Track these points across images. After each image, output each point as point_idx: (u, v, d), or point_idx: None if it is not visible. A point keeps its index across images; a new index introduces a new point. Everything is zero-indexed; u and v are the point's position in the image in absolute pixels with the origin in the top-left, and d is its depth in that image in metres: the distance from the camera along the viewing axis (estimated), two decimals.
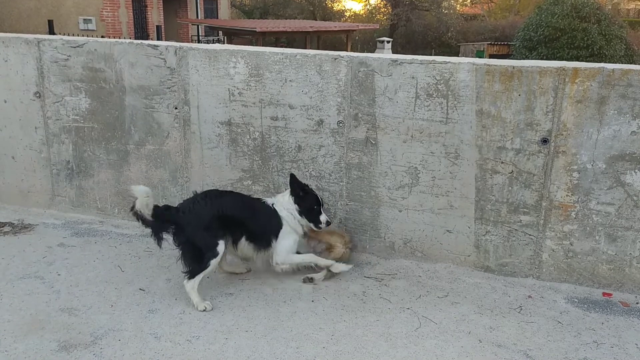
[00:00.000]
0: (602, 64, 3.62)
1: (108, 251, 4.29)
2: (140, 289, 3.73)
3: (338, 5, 45.31)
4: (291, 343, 3.20)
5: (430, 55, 3.62)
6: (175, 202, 4.65)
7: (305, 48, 23.32)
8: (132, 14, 24.14)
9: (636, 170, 3.63)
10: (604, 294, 3.84)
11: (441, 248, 4.18)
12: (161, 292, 3.71)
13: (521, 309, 3.64)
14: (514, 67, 3.72)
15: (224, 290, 3.77)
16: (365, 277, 4.03)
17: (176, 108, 4.48)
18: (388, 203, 4.21)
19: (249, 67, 4.22)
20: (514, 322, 3.47)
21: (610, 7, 32.42)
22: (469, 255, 4.13)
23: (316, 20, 37.21)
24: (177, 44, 4.41)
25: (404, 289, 3.85)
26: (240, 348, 3.14)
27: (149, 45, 4.43)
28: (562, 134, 3.71)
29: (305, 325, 3.38)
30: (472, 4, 45.98)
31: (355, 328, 3.37)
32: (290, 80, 4.17)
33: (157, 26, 25.32)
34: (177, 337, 3.21)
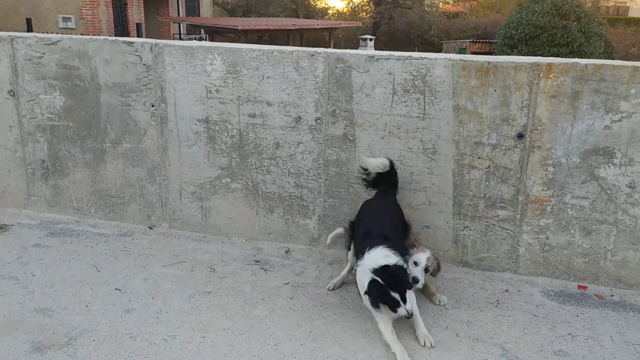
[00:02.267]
0: (575, 60, 3.65)
1: (84, 251, 4.24)
2: (116, 289, 3.69)
3: (321, 3, 45.31)
4: (269, 340, 3.19)
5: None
6: (153, 200, 4.63)
7: (287, 46, 23.22)
8: (112, 11, 23.90)
9: (609, 165, 3.67)
10: (579, 287, 3.88)
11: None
12: (138, 291, 3.67)
13: (498, 303, 3.66)
14: (489, 63, 3.74)
15: (201, 288, 3.74)
16: None
17: (153, 105, 4.44)
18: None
19: (226, 63, 4.19)
20: (491, 316, 3.50)
21: (589, 5, 32.77)
22: (447, 251, 4.15)
23: (299, 18, 37.17)
24: (153, 41, 4.36)
25: None
26: (217, 346, 3.12)
27: (124, 42, 4.38)
28: (537, 129, 3.74)
29: (284, 323, 3.37)
30: (455, 2, 46.27)
31: (334, 324, 3.37)
32: (267, 77, 4.15)
33: (138, 24, 25.10)
34: (153, 337, 3.18)
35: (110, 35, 21.87)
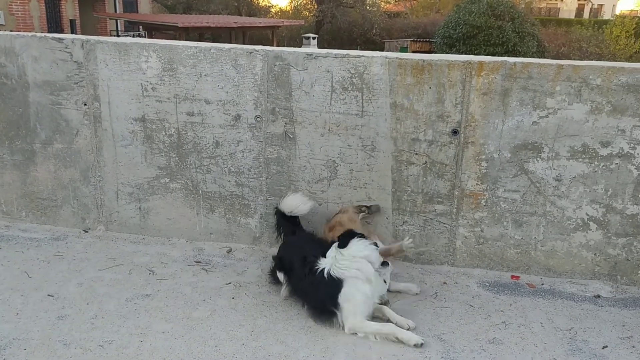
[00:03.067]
0: (504, 58, 3.80)
1: (14, 257, 4.05)
2: (48, 295, 3.55)
3: (263, 1, 45.04)
4: (210, 342, 3.15)
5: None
6: (88, 203, 4.48)
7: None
8: (44, 7, 22.93)
9: (538, 159, 3.84)
10: (512, 277, 4.04)
11: None
12: (72, 297, 3.54)
13: (436, 295, 3.76)
14: (424, 61, 3.83)
15: (140, 291, 3.65)
16: None
17: (85, 104, 4.28)
18: (308, 197, 4.22)
19: (162, 61, 4.10)
20: (429, 308, 3.59)
21: (523, 6, 34.14)
22: None
23: (241, 16, 36.82)
24: (85, 37, 4.21)
25: None
26: (156, 350, 3.05)
27: (53, 38, 4.21)
28: (471, 125, 3.87)
29: (225, 323, 3.33)
30: (396, 1, 47.11)
31: (276, 322, 3.37)
32: (205, 75, 4.09)
33: (72, 20, 24.21)
34: (88, 343, 3.07)
35: (43, 32, 20.96)
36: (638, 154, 3.73)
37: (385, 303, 3.48)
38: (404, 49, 30.52)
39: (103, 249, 4.23)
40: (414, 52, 29.27)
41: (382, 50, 31.13)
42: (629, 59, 27.84)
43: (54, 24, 23.63)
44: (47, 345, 3.04)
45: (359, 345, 3.15)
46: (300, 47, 23.34)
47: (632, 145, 3.73)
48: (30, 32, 18.92)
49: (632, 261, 3.93)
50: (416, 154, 4.00)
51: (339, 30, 36.95)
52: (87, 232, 4.52)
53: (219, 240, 4.43)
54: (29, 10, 22.06)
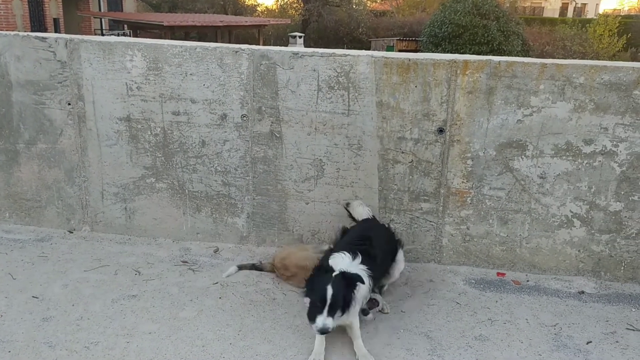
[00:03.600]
0: (489, 57, 3.82)
1: None
2: (33, 297, 3.51)
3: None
4: (197, 342, 3.14)
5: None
6: (72, 203, 4.44)
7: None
8: (27, 6, 22.64)
9: (522, 157, 3.88)
10: (498, 274, 4.08)
11: None
12: (57, 298, 3.51)
13: (423, 293, 3.78)
14: (409, 60, 3.85)
15: (126, 292, 3.63)
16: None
17: (69, 104, 4.24)
18: (295, 196, 4.22)
19: (147, 60, 4.07)
20: (416, 306, 3.61)
21: (507, 5, 34.40)
22: None
23: (227, 14, 36.67)
24: (68, 36, 4.17)
25: None
26: (143, 351, 3.03)
27: (36, 37, 4.16)
28: (456, 124, 3.89)
29: (212, 323, 3.32)
30: (382, 0, 47.20)
31: (264, 322, 3.36)
32: (191, 74, 4.07)
33: (55, 19, 23.93)
34: (73, 345, 3.05)
35: (26, 32, 20.72)
36: (620, 151, 3.78)
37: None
38: (390, 48, 30.60)
39: (88, 250, 4.20)
40: (400, 51, 29.36)
41: (368, 49, 31.19)
42: (612, 57, 28.20)
43: (37, 23, 23.35)
44: (32, 347, 3.01)
45: (347, 344, 3.16)
46: (286, 46, 23.33)
47: (614, 142, 3.77)
48: (13, 31, 18.65)
49: (615, 257, 3.98)
50: (402, 152, 4.01)
51: (326, 29, 36.94)
52: (72, 232, 4.48)
53: (206, 240, 4.41)
54: (11, 9, 21.78)
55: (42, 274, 3.80)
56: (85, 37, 4.17)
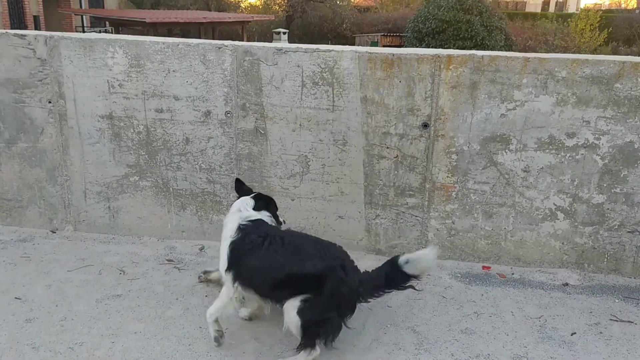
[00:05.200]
0: (472, 51, 3.84)
1: None
2: (16, 298, 3.46)
3: None
4: (183, 340, 3.11)
5: None
6: (55, 203, 4.38)
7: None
8: (6, 3, 22.28)
9: (506, 151, 3.90)
10: (483, 267, 4.10)
11: (334, 234, 4.25)
12: (40, 299, 3.46)
13: (410, 288, 3.78)
14: (393, 55, 3.84)
15: (110, 292, 3.59)
16: None
17: (50, 102, 4.18)
18: (280, 192, 4.21)
19: (129, 57, 4.03)
20: (403, 301, 3.61)
21: (490, 0, 34.59)
22: (361, 240, 4.24)
23: (210, 11, 36.41)
24: (47, 33, 4.10)
25: None
26: (128, 350, 3.00)
27: (15, 34, 4.09)
28: (441, 118, 3.90)
29: (199, 322, 3.30)
30: None
31: (250, 320, 3.35)
32: (173, 71, 4.03)
33: (36, 17, 23.60)
34: (57, 346, 3.01)
35: (4, 29, 20.39)
36: (602, 144, 3.82)
37: None
38: (374, 44, 30.65)
39: (72, 250, 4.15)
40: (384, 46, 29.40)
41: (352, 44, 31.17)
42: (594, 51, 28.50)
43: (17, 20, 23.01)
44: (15, 349, 2.97)
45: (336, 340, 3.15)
46: (270, 42, 23.26)
47: (596, 135, 3.81)
48: None
49: (598, 249, 4.03)
50: (387, 147, 4.02)
51: (310, 25, 36.88)
52: (54, 232, 4.42)
53: (191, 238, 4.38)
54: None
55: (24, 275, 3.75)
56: (66, 34, 4.11)
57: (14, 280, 3.68)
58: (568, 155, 3.86)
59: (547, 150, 3.87)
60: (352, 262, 3.09)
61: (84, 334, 3.13)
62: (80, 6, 28.77)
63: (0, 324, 3.19)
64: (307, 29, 36.93)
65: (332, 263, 2.93)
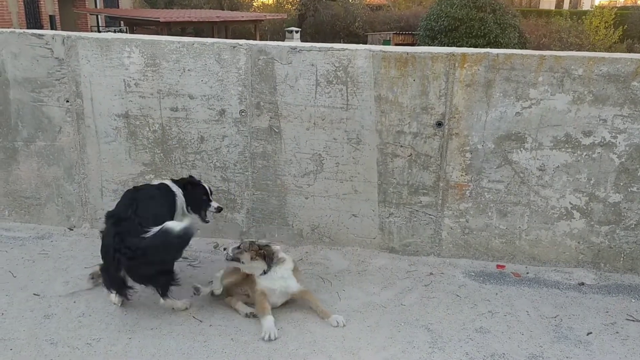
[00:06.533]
0: (487, 50, 3.82)
1: None
2: (34, 294, 3.51)
3: None
4: (198, 337, 3.14)
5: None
6: (72, 200, 4.43)
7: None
8: (22, 3, 22.53)
9: (521, 149, 3.88)
10: (497, 266, 4.09)
11: (348, 232, 4.26)
12: (58, 295, 3.51)
13: (424, 286, 3.79)
14: (407, 53, 3.84)
15: None
16: None
17: (67, 101, 4.23)
18: (294, 191, 4.23)
19: (145, 56, 4.06)
20: (417, 299, 3.62)
21: None
22: (374, 238, 4.25)
23: (223, 10, 36.53)
24: (65, 33, 4.15)
25: (312, 275, 3.89)
26: (145, 347, 3.04)
27: (33, 34, 4.14)
28: (455, 117, 3.89)
29: (215, 319, 3.33)
30: None
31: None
32: (188, 70, 4.06)
33: (51, 16, 23.82)
34: (75, 342, 3.05)
35: (21, 29, 20.62)
36: (619, 142, 3.79)
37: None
38: (386, 42, 30.54)
39: (89, 247, 4.20)
40: (396, 45, 29.30)
41: (365, 43, 31.11)
42: (609, 49, 28.17)
43: (33, 20, 23.26)
44: (33, 345, 3.02)
45: (348, 338, 3.17)
46: (283, 40, 23.28)
47: (613, 134, 3.78)
48: (8, 28, 18.50)
49: (614, 248, 4.00)
50: (401, 146, 4.01)
51: (322, 24, 36.83)
52: (72, 230, 4.48)
53: (206, 236, 4.41)
54: (7, 6, 21.68)
55: (42, 272, 3.80)
56: (83, 34, 4.16)
57: (33, 276, 3.74)
58: (584, 153, 3.84)
59: (563, 149, 3.84)
60: None
61: (102, 330, 3.17)
62: (96, 6, 29.02)
63: (19, 320, 3.24)
64: (319, 28, 36.89)
65: None
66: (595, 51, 19.68)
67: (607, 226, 3.96)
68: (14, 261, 3.94)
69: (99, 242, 4.23)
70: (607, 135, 3.79)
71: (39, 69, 4.20)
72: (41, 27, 23.11)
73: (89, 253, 4.10)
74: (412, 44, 28.20)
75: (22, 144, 4.39)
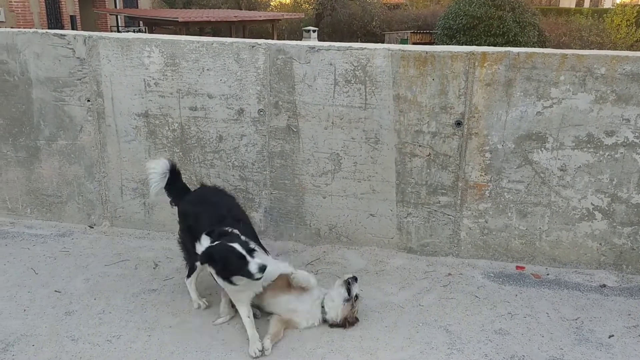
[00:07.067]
0: (508, 48, 3.78)
1: (20, 253, 4.06)
2: (55, 291, 3.56)
3: None
4: (217, 335, 3.16)
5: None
6: (92, 198, 4.48)
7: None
8: (44, 4, 22.85)
9: (542, 149, 3.83)
10: (517, 267, 4.05)
11: (365, 232, 4.25)
12: (79, 292, 3.55)
13: (442, 287, 3.77)
14: (427, 53, 3.82)
15: (146, 286, 3.67)
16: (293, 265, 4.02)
17: (89, 100, 4.28)
18: (312, 190, 4.23)
19: (164, 56, 4.09)
20: (435, 300, 3.59)
21: None
22: (392, 238, 4.23)
23: (241, 9, 36.68)
24: (86, 33, 4.20)
25: (329, 274, 3.89)
26: (164, 344, 3.06)
27: (55, 34, 4.20)
28: (474, 117, 3.86)
29: (233, 317, 3.34)
30: None
31: None
32: (208, 69, 4.08)
33: (72, 16, 24.12)
34: (96, 338, 3.09)
35: (43, 29, 20.91)
36: None
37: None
38: (404, 41, 30.37)
39: (109, 245, 4.25)
40: (414, 44, 29.15)
41: (382, 42, 30.98)
42: (630, 47, 27.69)
43: (54, 20, 23.57)
44: (55, 341, 3.06)
45: (366, 338, 3.16)
46: (300, 40, 23.29)
47: (637, 134, 3.72)
48: (30, 28, 18.76)
49: (637, 250, 3.93)
50: (420, 146, 3.99)
51: (339, 23, 36.75)
52: (92, 227, 4.53)
53: None
54: (29, 7, 21.99)
55: (64, 269, 3.85)
56: (104, 34, 4.20)
57: (54, 273, 3.79)
58: (607, 154, 3.78)
59: (585, 149, 3.79)
60: None
61: (122, 327, 3.20)
62: (115, 6, 29.32)
63: (41, 317, 3.29)
64: (336, 27, 36.83)
65: None
66: (617, 50, 19.38)
67: (629, 227, 3.89)
68: (36, 258, 4.00)
69: (118, 240, 4.32)
70: (630, 135, 3.72)
71: (60, 69, 4.25)
72: (62, 27, 23.42)
73: (109, 251, 4.15)
74: (430, 43, 28.02)
75: (44, 142, 4.45)
